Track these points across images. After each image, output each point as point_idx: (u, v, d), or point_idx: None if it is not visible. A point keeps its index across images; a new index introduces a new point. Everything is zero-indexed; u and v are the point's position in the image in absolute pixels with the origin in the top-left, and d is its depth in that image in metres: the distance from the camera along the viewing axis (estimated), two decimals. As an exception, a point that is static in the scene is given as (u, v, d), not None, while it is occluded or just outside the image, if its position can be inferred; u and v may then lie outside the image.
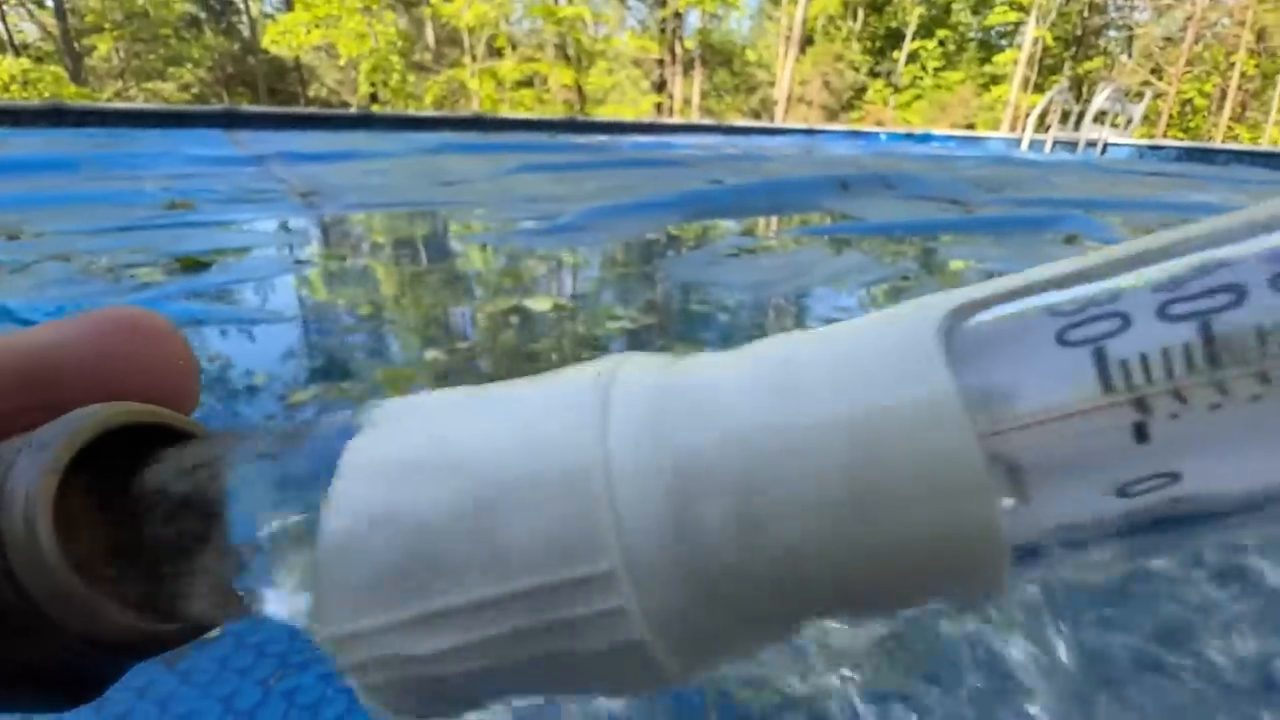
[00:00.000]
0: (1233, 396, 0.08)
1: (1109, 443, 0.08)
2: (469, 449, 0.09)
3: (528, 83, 17.60)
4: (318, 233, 2.39)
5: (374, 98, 16.08)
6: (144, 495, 0.11)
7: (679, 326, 1.46)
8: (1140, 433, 0.08)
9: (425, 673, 0.09)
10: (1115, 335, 0.08)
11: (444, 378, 1.22)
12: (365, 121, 8.14)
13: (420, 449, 0.10)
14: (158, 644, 0.11)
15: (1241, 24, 15.55)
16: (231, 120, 6.89)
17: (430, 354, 1.34)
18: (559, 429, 0.09)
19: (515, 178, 3.83)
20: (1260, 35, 15.71)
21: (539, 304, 1.66)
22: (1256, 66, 16.06)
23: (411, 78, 16.38)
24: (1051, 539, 0.09)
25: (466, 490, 0.09)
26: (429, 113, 11.02)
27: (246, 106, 7.64)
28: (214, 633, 0.12)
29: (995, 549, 0.08)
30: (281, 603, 0.11)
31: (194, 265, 1.75)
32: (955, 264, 2.16)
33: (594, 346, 1.36)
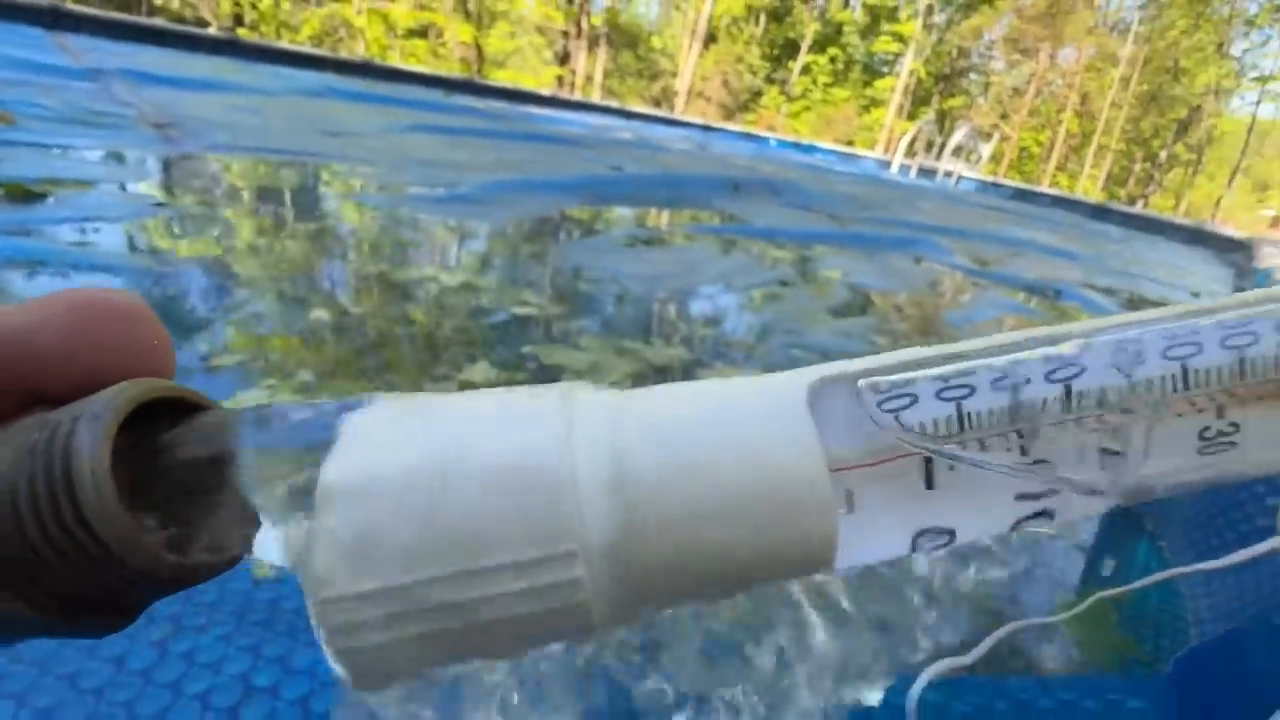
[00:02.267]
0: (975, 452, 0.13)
1: (909, 477, 0.13)
2: (465, 451, 0.12)
3: (422, 33, 16.45)
4: (177, 172, 2.14)
5: (239, 20, 14.27)
6: (177, 452, 0.13)
7: (579, 317, 1.51)
8: (929, 481, 0.13)
9: (411, 632, 0.12)
10: (908, 408, 0.13)
11: (322, 345, 1.18)
12: (231, 47, 7.22)
13: (422, 454, 0.12)
14: (193, 577, 0.13)
15: (1070, 87, 18.04)
16: (56, 19, 5.83)
17: (316, 314, 1.28)
18: (534, 439, 0.12)
19: (409, 137, 3.63)
20: (1084, 99, 18.31)
21: (450, 277, 1.62)
22: (1079, 125, 18.72)
23: (286, 4, 14.73)
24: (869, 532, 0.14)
25: (463, 484, 0.12)
26: (311, 49, 9.98)
27: (75, 5, 6.46)
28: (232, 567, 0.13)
29: (830, 545, 0.13)
30: (288, 544, 0.12)
31: (22, 195, 1.52)
32: (828, 274, 2.37)
33: (496, 330, 1.37)
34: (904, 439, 0.12)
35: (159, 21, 7.64)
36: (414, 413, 0.13)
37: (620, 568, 0.12)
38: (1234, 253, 5.27)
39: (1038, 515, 0.13)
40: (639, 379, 1.19)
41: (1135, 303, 2.83)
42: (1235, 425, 0.13)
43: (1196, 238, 6.75)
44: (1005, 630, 0.32)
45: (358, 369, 1.10)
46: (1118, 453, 0.13)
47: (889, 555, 0.13)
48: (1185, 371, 0.12)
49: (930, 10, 18.81)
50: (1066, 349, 0.13)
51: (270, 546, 0.12)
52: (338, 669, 0.12)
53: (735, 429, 0.13)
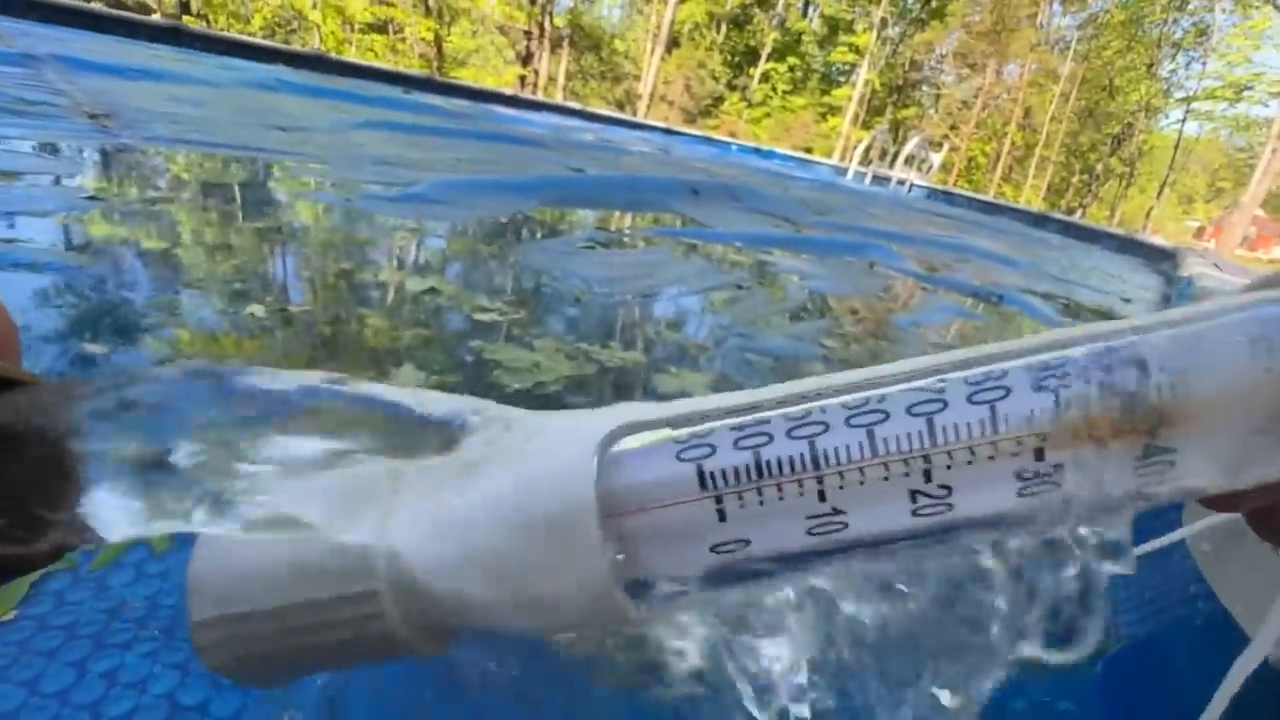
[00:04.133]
0: (767, 496, 0.14)
1: (703, 519, 0.14)
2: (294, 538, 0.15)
3: (381, 28, 16.10)
4: (115, 166, 2.04)
5: (185, 8, 13.70)
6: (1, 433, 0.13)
7: (537, 318, 1.50)
8: (721, 515, 0.14)
9: (257, 651, 0.15)
10: (709, 458, 0.14)
11: (272, 346, 1.15)
12: (175, 35, 6.93)
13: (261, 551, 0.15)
14: (23, 566, 0.13)
15: (1014, 101, 18.82)
16: (-16, 1, 5.50)
17: (266, 315, 1.25)
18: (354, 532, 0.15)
19: (363, 133, 3.55)
20: (1027, 113, 19.14)
21: (405, 278, 1.59)
22: (1022, 138, 19.55)
23: (237, -7, 14.21)
24: (664, 578, 0.15)
25: (297, 548, 0.15)
26: (259, 40, 9.64)
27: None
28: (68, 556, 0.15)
29: (608, 592, 0.14)
30: (124, 527, 0.13)
31: (-60, 185, 1.42)
32: (784, 278, 2.42)
33: (450, 329, 1.35)
34: (708, 486, 0.14)
35: (97, 6, 7.26)
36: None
37: (408, 611, 0.15)
38: (1162, 261, 5.59)
39: (842, 526, 0.14)
40: (579, 382, 1.19)
41: (1072, 308, 2.98)
42: (1057, 466, 0.13)
43: (1128, 247, 7.13)
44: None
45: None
46: (930, 495, 0.14)
47: (690, 572, 0.15)
48: (994, 415, 0.13)
49: (884, 24, 19.37)
50: (867, 394, 0.14)
51: (111, 522, 0.13)
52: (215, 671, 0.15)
53: (510, 505, 0.14)
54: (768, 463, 0.14)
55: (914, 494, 0.14)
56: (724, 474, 0.14)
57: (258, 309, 1.25)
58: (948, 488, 0.13)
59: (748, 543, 0.14)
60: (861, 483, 0.14)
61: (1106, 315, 2.95)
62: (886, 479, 0.14)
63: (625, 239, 2.64)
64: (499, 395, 1.05)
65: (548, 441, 0.15)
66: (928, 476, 0.13)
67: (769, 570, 0.14)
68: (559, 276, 1.81)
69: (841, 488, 0.14)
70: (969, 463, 0.13)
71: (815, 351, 1.56)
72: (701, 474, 0.14)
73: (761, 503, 0.14)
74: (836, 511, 0.14)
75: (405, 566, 0.14)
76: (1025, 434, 0.13)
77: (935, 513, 0.14)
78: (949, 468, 0.13)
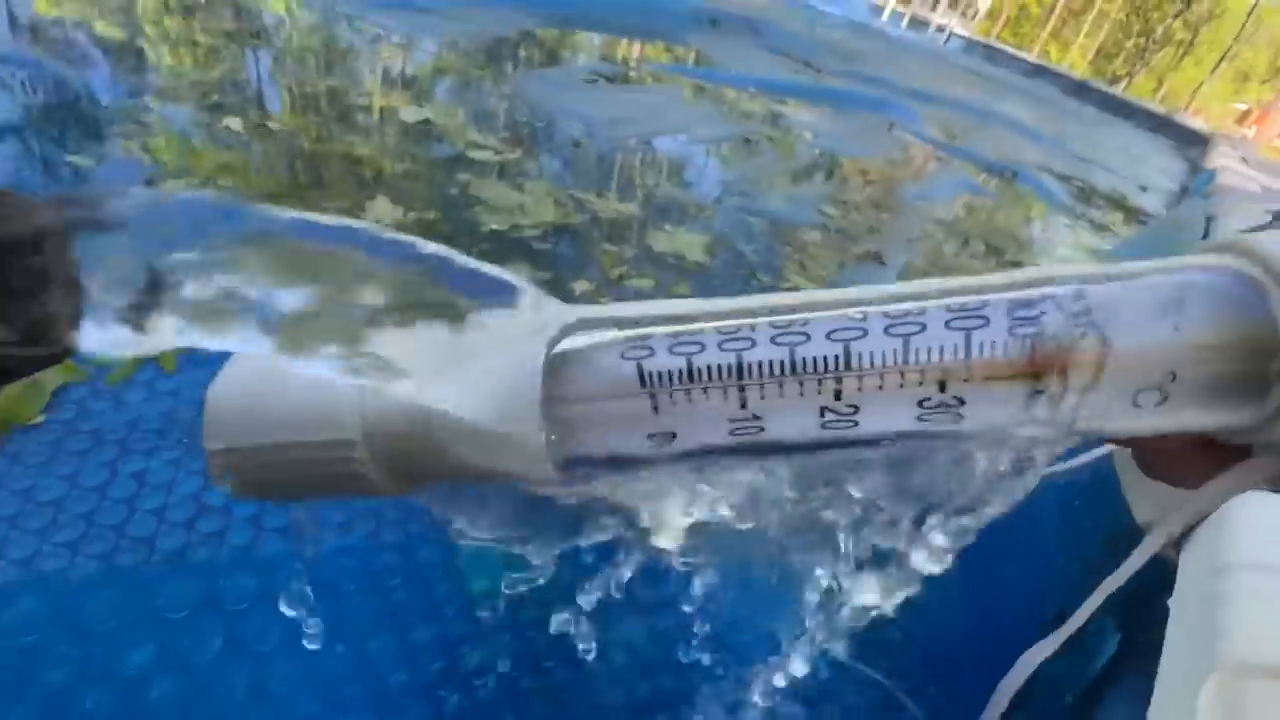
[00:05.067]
0: (695, 397, 0.16)
1: (640, 412, 0.16)
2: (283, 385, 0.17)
3: None
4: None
5: None
6: None
7: (531, 158, 1.43)
8: (655, 408, 0.16)
9: (256, 477, 0.18)
10: (648, 358, 0.16)
11: (248, 162, 1.11)
12: None
13: (263, 379, 0.18)
14: (31, 366, 0.14)
15: (1088, -63, 16.47)
16: None
17: (239, 125, 1.18)
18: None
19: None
20: (1098, -46, 16.86)
21: (391, 100, 1.48)
22: (1084, -14, 17.43)
23: None
24: (602, 457, 0.17)
25: (290, 392, 0.17)
26: None
27: None
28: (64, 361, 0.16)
29: (542, 464, 0.16)
30: (118, 334, 0.14)
31: None
32: (796, 133, 2.29)
33: (435, 161, 1.30)
34: (648, 383, 0.16)
35: None
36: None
37: (379, 460, 0.17)
38: (1192, 147, 5.31)
39: (758, 429, 0.16)
40: (564, 231, 1.16)
41: (1085, 192, 2.89)
42: (959, 399, 0.15)
43: (1162, 127, 6.72)
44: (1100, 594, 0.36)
45: (288, 194, 1.05)
46: (838, 412, 0.16)
47: (627, 451, 0.17)
48: (907, 347, 0.15)
49: None
50: (793, 318, 0.16)
51: (106, 329, 0.13)
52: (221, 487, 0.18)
53: (471, 383, 0.16)
54: (699, 369, 0.16)
55: (824, 410, 0.16)
56: (660, 375, 0.16)
57: (234, 122, 1.18)
58: (855, 407, 0.15)
59: (673, 436, 0.16)
60: (780, 395, 0.16)
61: (1120, 203, 2.88)
62: (801, 394, 0.15)
63: (632, 72, 2.44)
64: (475, 235, 1.04)
65: (514, 330, 0.16)
66: (838, 395, 0.15)
67: (690, 459, 0.17)
68: (557, 115, 1.70)
69: (762, 398, 0.16)
70: (879, 388, 0.15)
71: (814, 219, 1.53)
72: (641, 372, 0.16)
73: (690, 402, 0.16)
74: (755, 418, 0.16)
75: (379, 424, 0.17)
76: (930, 367, 0.15)
77: (842, 428, 0.16)
78: (859, 390, 0.15)
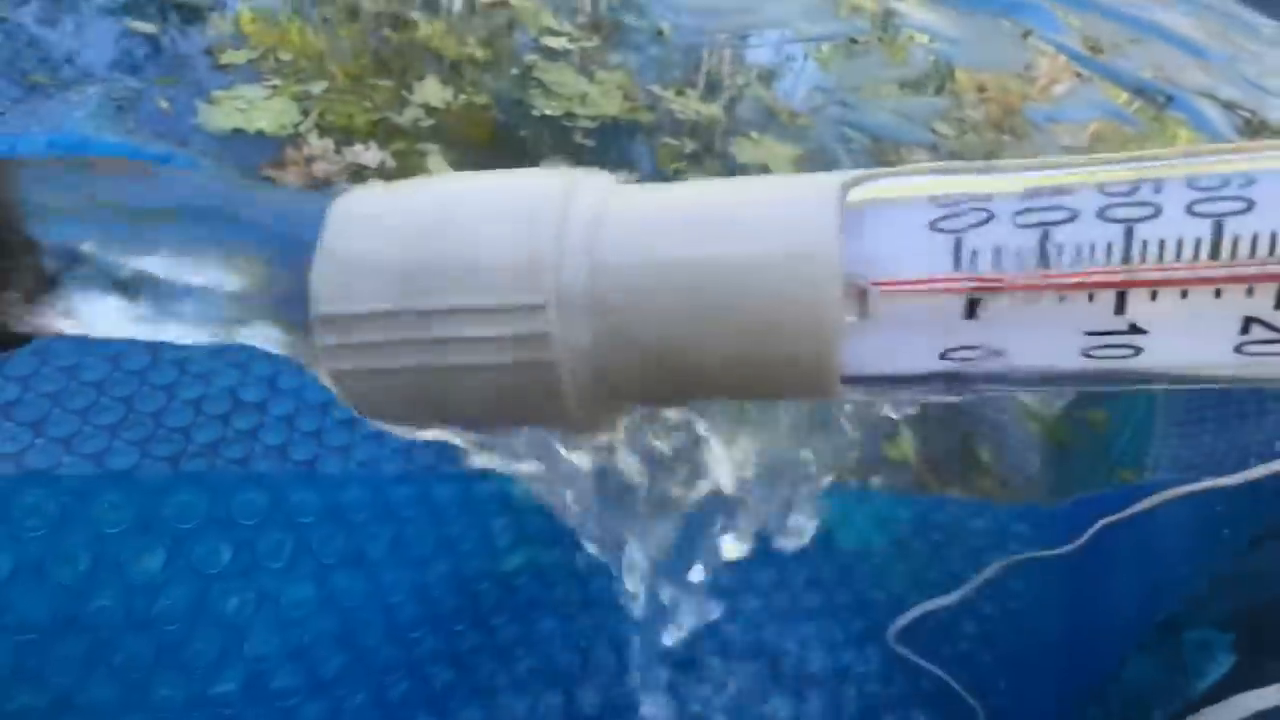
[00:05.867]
0: (1045, 295, 0.10)
1: (949, 311, 0.10)
2: (457, 203, 0.12)
3: None
4: None
5: None
6: None
7: (608, 50, 1.31)
8: (972, 309, 0.10)
9: (386, 364, 0.12)
10: (976, 228, 0.10)
11: (335, 49, 1.05)
12: None
13: (425, 199, 0.12)
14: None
15: None
16: None
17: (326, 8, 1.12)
18: (530, 198, 0.12)
19: None
20: None
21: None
22: None
23: None
24: (878, 375, 0.12)
25: (454, 228, 0.12)
26: None
27: None
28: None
29: (831, 356, 0.11)
30: (100, 313, 0.12)
31: None
32: (909, 35, 2.03)
33: (513, 53, 1.21)
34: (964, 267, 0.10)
35: None
36: (425, 180, 0.13)
37: (590, 331, 0.11)
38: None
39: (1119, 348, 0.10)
40: (627, 129, 1.07)
41: (1254, 125, 2.46)
42: None
43: (1363, 51, 5.63)
44: (995, 567, 0.32)
45: (368, 90, 0.99)
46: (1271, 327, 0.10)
47: (912, 369, 0.11)
48: None
49: None
50: (1223, 171, 0.10)
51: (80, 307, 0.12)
52: (334, 391, 0.12)
53: (739, 226, 0.11)
54: (1059, 246, 0.10)
55: (1248, 322, 0.10)
56: (994, 253, 0.10)
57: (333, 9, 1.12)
58: None
59: (1001, 354, 0.11)
60: (1184, 295, 0.10)
61: (1291, 140, 2.45)
62: (1219, 295, 0.10)
63: (731, -44, 2.19)
64: (522, 118, 0.95)
65: (776, 179, 0.12)
66: (1278, 303, 0.09)
67: (1010, 383, 0.11)
68: (644, 2, 1.54)
69: (1154, 298, 0.10)
70: None
71: (924, 137, 1.36)
72: (959, 250, 0.10)
73: (1033, 302, 0.10)
74: (1134, 330, 0.10)
75: (587, 283, 0.11)
76: None
77: (1264, 353, 0.10)
78: None
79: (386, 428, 0.13)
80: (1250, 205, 0.09)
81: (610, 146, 0.99)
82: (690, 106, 1.15)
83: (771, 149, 1.09)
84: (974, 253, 0.10)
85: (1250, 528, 0.36)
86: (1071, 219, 0.10)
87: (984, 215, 0.10)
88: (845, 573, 0.45)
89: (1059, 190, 0.10)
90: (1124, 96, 2.33)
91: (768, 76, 1.42)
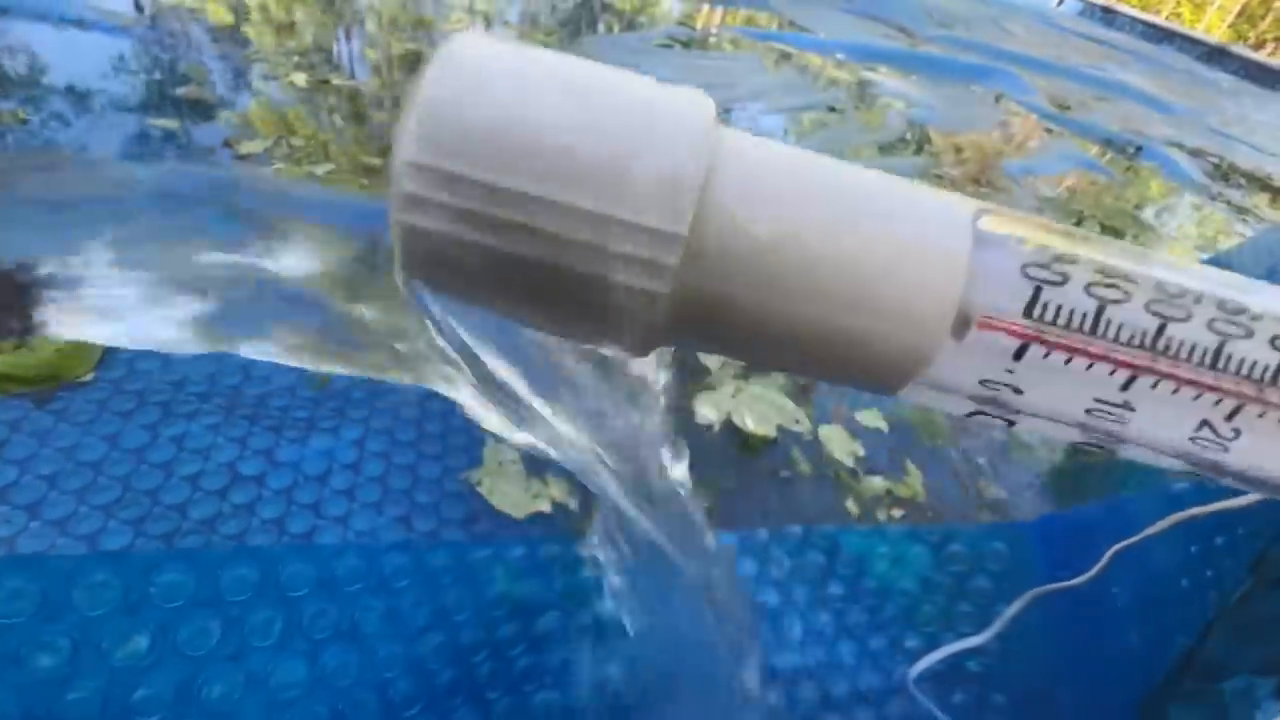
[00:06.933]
0: (1076, 357, 0.12)
1: (1001, 346, 0.12)
2: (603, 94, 0.11)
3: None
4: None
5: None
6: None
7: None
8: (1019, 353, 0.12)
9: (469, 236, 0.10)
10: (1055, 286, 0.12)
11: (340, 134, 1.11)
12: None
13: (559, 69, 0.11)
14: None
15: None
16: None
17: (332, 98, 1.19)
18: (686, 140, 0.11)
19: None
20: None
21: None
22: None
23: None
24: (931, 383, 0.13)
25: (589, 114, 0.10)
26: None
27: None
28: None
29: (920, 366, 0.12)
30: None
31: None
32: (885, 102, 2.13)
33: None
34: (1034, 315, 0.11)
35: None
36: (562, 56, 0.12)
37: (708, 278, 0.11)
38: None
39: (1107, 432, 0.12)
40: None
41: (1222, 169, 2.55)
42: None
43: (1319, 98, 5.89)
44: (1022, 601, 0.31)
45: (374, 167, 1.04)
46: (1217, 431, 0.12)
47: (956, 387, 0.12)
48: None
49: None
50: (1242, 303, 0.12)
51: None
52: (394, 243, 0.11)
53: (881, 207, 0.12)
54: (1107, 321, 0.12)
55: (1203, 423, 0.12)
56: (1057, 312, 0.12)
57: (339, 97, 1.19)
58: (1237, 431, 0.12)
59: (1020, 391, 0.12)
60: (1175, 391, 0.12)
61: (1265, 183, 2.53)
62: (1197, 397, 0.12)
63: (711, 37, 2.33)
64: None
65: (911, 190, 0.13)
66: (1232, 414, 0.12)
67: (1013, 416, 0.13)
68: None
69: (1154, 387, 0.12)
70: (1261, 416, 0.12)
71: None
72: (1035, 299, 0.12)
73: (1067, 361, 0.12)
74: (1128, 407, 0.12)
75: (724, 237, 0.11)
76: None
77: (1211, 449, 0.12)
78: (1260, 416, 0.12)
79: (429, 294, 0.12)
80: (1250, 334, 0.11)
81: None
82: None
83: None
84: (1045, 305, 0.12)
85: (1249, 555, 0.35)
86: (1127, 300, 0.12)
87: (1060, 277, 0.12)
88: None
89: (1126, 279, 0.12)
90: (1095, 148, 2.43)
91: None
